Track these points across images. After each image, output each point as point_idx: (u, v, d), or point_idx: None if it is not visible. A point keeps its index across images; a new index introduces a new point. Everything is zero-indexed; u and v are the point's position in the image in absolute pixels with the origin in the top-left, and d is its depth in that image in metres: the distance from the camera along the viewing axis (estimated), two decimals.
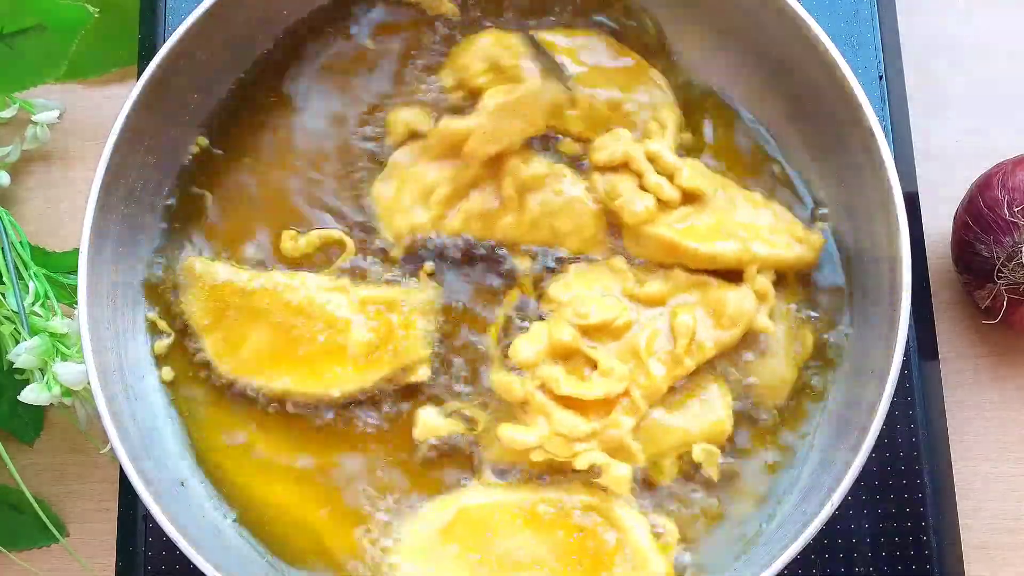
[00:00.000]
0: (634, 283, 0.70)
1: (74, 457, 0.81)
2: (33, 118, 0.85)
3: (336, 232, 0.72)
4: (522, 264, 0.71)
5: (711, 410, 0.68)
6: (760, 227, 0.70)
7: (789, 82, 0.72)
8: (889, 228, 0.66)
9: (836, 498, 0.62)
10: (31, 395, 0.74)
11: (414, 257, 0.72)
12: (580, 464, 0.66)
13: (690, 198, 0.70)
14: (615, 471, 0.66)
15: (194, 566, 0.63)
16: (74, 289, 0.77)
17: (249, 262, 0.73)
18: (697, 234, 0.69)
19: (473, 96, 0.71)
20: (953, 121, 0.85)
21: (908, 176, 0.79)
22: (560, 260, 0.71)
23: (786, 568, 0.61)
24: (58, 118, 0.86)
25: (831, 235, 0.72)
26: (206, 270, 0.71)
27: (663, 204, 0.69)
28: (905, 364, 0.72)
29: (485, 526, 0.67)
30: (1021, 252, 0.72)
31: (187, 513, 0.67)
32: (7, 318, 0.76)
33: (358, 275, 0.72)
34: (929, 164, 0.82)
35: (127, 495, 0.76)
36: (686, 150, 0.73)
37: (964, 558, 0.74)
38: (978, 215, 0.75)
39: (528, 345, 0.68)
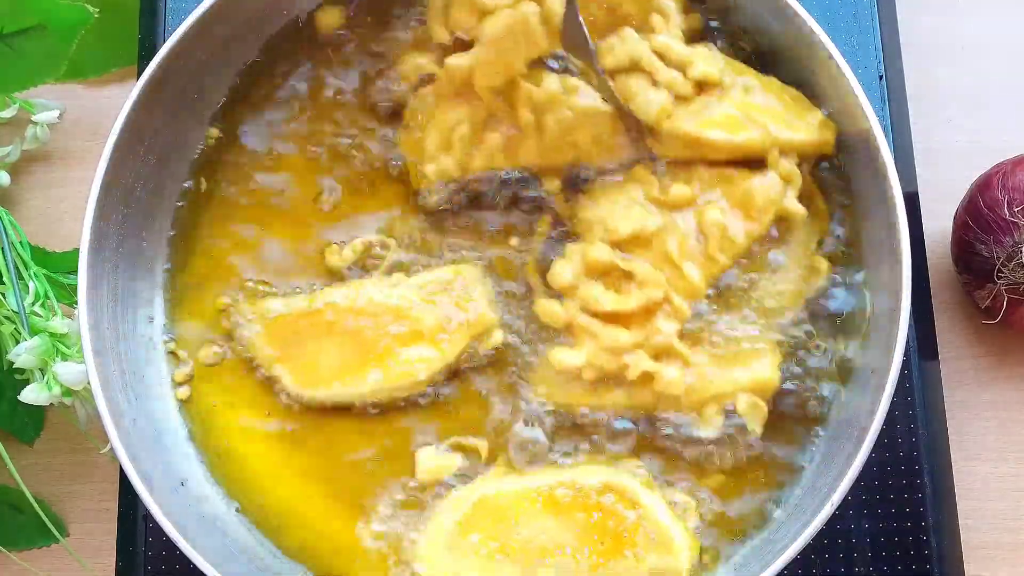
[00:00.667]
0: (659, 189, 0.70)
1: (74, 457, 0.81)
2: (33, 118, 0.85)
3: (374, 237, 0.73)
4: (551, 187, 0.71)
5: (760, 363, 0.68)
6: (779, 112, 0.69)
7: (789, 82, 0.72)
8: (889, 228, 0.66)
9: (836, 498, 0.62)
10: (31, 395, 0.74)
11: (448, 206, 0.72)
12: (632, 374, 0.66)
13: (705, 88, 0.69)
14: (666, 375, 0.67)
15: (194, 566, 0.63)
16: (74, 289, 0.76)
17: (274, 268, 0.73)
18: (716, 124, 0.69)
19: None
20: (953, 121, 0.85)
21: (908, 176, 0.79)
22: (585, 180, 0.71)
23: (786, 568, 0.61)
24: (58, 118, 0.86)
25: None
26: (258, 309, 0.71)
27: (679, 98, 0.69)
28: (905, 364, 0.72)
29: (505, 514, 0.67)
30: (1021, 252, 0.72)
31: (187, 513, 0.67)
32: (7, 318, 0.76)
33: (403, 269, 0.72)
34: (929, 164, 0.82)
35: (127, 495, 0.76)
36: (697, 33, 0.72)
37: (964, 558, 0.74)
38: (978, 215, 0.75)
39: (565, 268, 0.69)
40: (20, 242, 0.79)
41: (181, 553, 0.63)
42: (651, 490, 0.67)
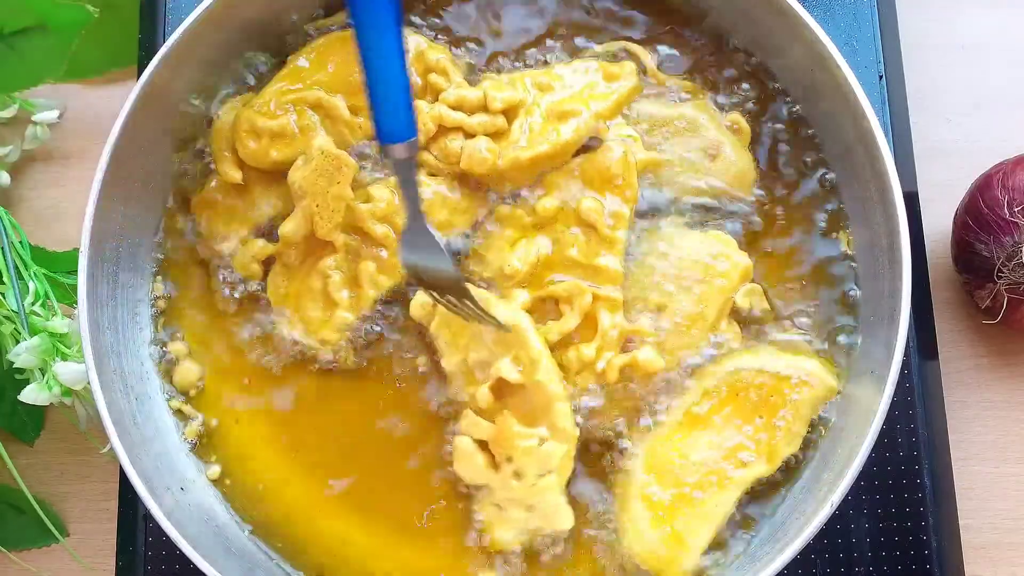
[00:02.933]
0: (528, 215, 0.70)
1: (74, 457, 0.81)
2: (33, 118, 0.85)
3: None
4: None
5: (726, 259, 0.69)
6: (583, 88, 0.71)
7: (789, 81, 0.72)
8: (889, 228, 0.66)
9: (836, 498, 0.62)
10: (31, 395, 0.74)
11: (357, 350, 0.71)
12: (612, 376, 0.67)
13: (512, 111, 0.71)
14: (642, 357, 0.67)
15: (194, 566, 0.63)
16: (74, 289, 0.77)
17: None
18: (540, 135, 0.70)
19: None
20: (953, 121, 0.85)
21: (908, 176, 0.79)
22: (463, 247, 0.71)
23: (786, 568, 0.61)
24: (58, 118, 0.86)
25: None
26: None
27: (497, 135, 0.70)
28: (905, 364, 0.72)
29: (673, 460, 0.67)
30: (1021, 252, 0.72)
31: (187, 513, 0.67)
32: (7, 318, 0.76)
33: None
34: (929, 164, 0.82)
35: (127, 495, 0.76)
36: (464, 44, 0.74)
37: (964, 558, 0.74)
38: (978, 215, 0.75)
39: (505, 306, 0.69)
40: (20, 242, 0.79)
41: (181, 553, 0.63)
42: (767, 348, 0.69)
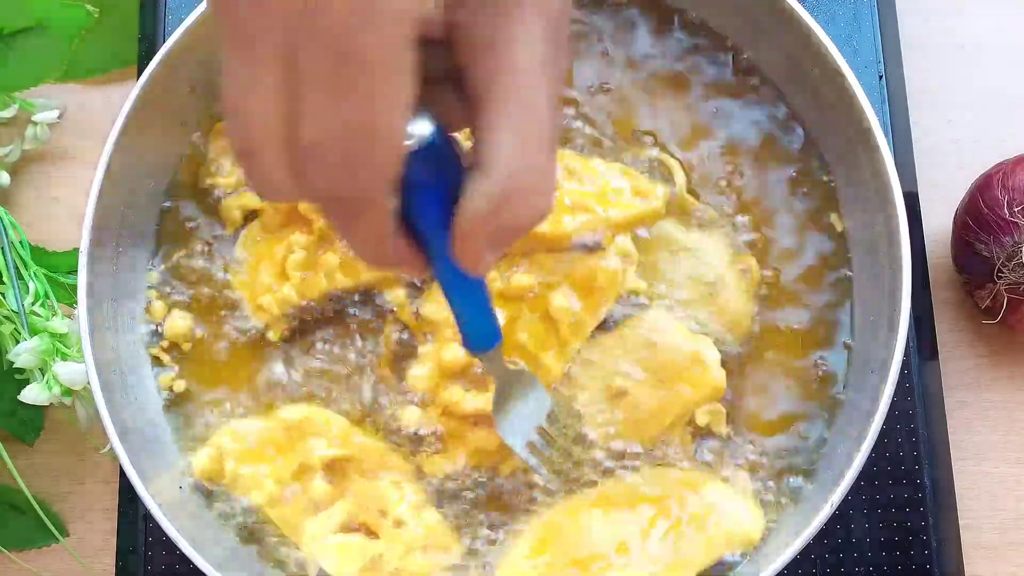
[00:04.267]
0: (501, 282, 0.69)
1: (74, 457, 0.81)
2: (33, 118, 0.85)
3: None
4: (393, 296, 0.70)
5: (703, 371, 0.68)
6: (606, 190, 0.70)
7: (789, 81, 0.72)
8: (889, 228, 0.66)
9: (836, 498, 0.62)
10: (31, 395, 0.74)
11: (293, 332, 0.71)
12: (507, 470, 0.67)
13: None
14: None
15: (194, 566, 0.63)
16: (74, 289, 0.76)
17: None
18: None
19: None
20: (953, 121, 0.85)
21: (908, 176, 0.79)
22: (425, 283, 0.70)
23: (786, 568, 0.61)
24: (58, 118, 0.86)
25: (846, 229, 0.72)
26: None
27: None
28: (905, 364, 0.72)
29: (569, 531, 0.66)
30: (1021, 252, 0.72)
31: (187, 513, 0.67)
32: (7, 318, 0.76)
33: None
34: (929, 164, 0.82)
35: (127, 495, 0.76)
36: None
37: (964, 558, 0.74)
38: (978, 215, 0.75)
39: (420, 372, 0.68)
40: (20, 242, 0.79)
41: (181, 553, 0.63)
42: (711, 479, 0.67)
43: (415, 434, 0.69)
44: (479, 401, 0.67)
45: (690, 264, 0.71)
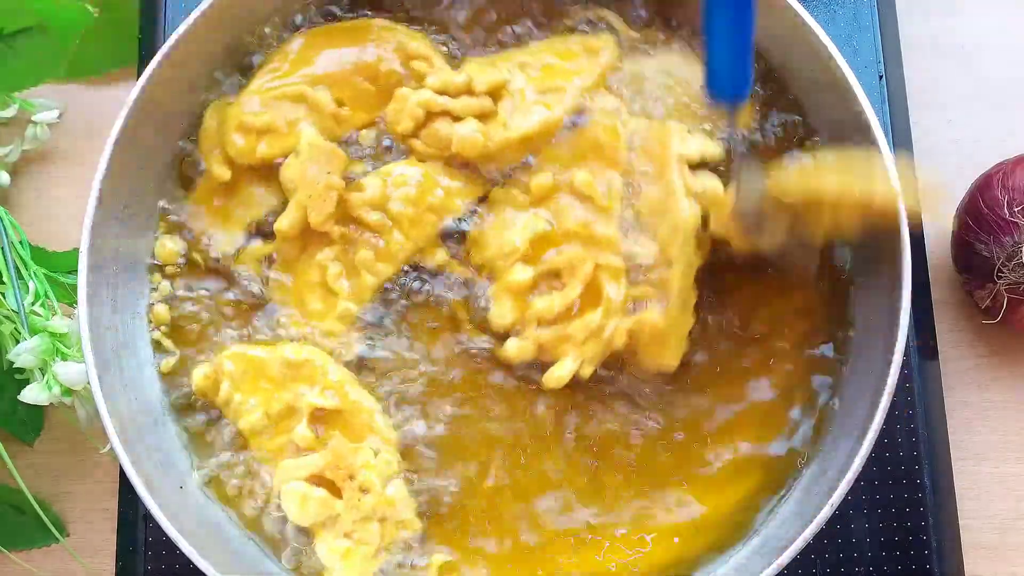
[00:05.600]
0: (522, 193, 0.71)
1: (74, 457, 0.81)
2: (33, 118, 0.85)
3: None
4: (440, 258, 0.71)
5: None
6: (565, 64, 0.72)
7: (789, 81, 0.72)
8: (889, 228, 0.65)
9: (836, 498, 0.62)
10: (31, 395, 0.74)
11: (363, 332, 0.71)
12: (619, 341, 0.68)
13: (498, 92, 0.71)
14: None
15: (194, 566, 0.63)
16: (74, 289, 0.76)
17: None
18: (527, 114, 0.70)
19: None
20: (953, 121, 0.85)
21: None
22: (460, 231, 0.71)
23: (786, 568, 0.61)
24: (58, 118, 0.86)
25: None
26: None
27: (485, 116, 0.70)
28: (905, 364, 0.72)
29: None
30: (1021, 252, 0.72)
31: (187, 513, 0.67)
32: (7, 318, 0.76)
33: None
34: (929, 164, 0.82)
35: (127, 495, 0.76)
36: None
37: (964, 558, 0.74)
38: (978, 215, 0.75)
39: (501, 309, 0.69)
40: (20, 242, 0.79)
41: (181, 553, 0.63)
42: None
43: (527, 369, 0.69)
44: (563, 298, 0.68)
45: (667, 80, 0.72)
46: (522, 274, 0.69)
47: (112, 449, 0.65)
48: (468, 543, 0.69)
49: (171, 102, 0.71)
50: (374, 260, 0.70)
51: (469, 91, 0.70)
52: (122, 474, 0.76)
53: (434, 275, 0.71)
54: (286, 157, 0.70)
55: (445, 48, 0.74)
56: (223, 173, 0.72)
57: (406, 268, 0.71)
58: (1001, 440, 0.79)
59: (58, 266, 0.80)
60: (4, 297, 0.76)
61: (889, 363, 0.63)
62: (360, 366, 0.70)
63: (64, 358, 0.75)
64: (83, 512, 0.80)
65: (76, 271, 0.67)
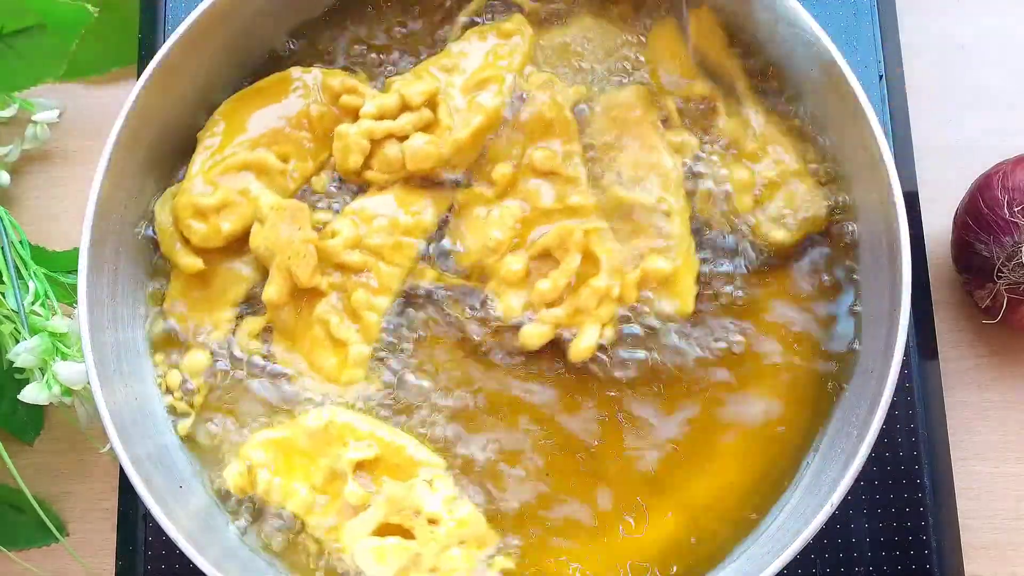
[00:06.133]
0: (488, 188, 0.71)
1: (74, 457, 0.81)
2: (33, 118, 0.85)
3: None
4: (428, 279, 0.71)
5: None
6: (487, 55, 0.73)
7: (789, 81, 0.72)
8: (889, 228, 0.66)
9: (836, 498, 0.62)
10: (31, 394, 0.74)
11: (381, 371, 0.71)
12: (631, 296, 0.69)
13: (433, 101, 0.71)
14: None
15: (194, 566, 0.63)
16: (74, 288, 0.76)
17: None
18: (469, 112, 0.71)
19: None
20: (953, 121, 0.85)
21: (908, 176, 0.79)
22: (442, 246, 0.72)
23: (786, 568, 0.61)
24: (58, 118, 0.86)
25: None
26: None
27: (428, 128, 0.71)
28: (905, 364, 0.72)
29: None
30: (1021, 252, 0.72)
31: (187, 513, 0.67)
32: (7, 317, 0.76)
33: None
34: (929, 164, 0.82)
35: (127, 495, 0.76)
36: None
37: (964, 558, 0.74)
38: (978, 215, 0.75)
39: (509, 303, 0.69)
40: (20, 241, 0.79)
41: (181, 553, 0.63)
42: None
43: (551, 360, 0.70)
44: (562, 274, 0.69)
45: (589, 44, 0.74)
46: (515, 265, 0.69)
47: (112, 449, 0.65)
48: (545, 542, 0.68)
49: (171, 102, 0.71)
50: (370, 297, 0.70)
51: (406, 107, 0.71)
52: (122, 474, 0.76)
53: (431, 294, 0.71)
54: (249, 226, 0.70)
55: (364, 73, 0.75)
56: (194, 263, 0.70)
57: (404, 294, 0.71)
58: (1001, 440, 0.79)
59: (58, 266, 0.80)
60: (4, 297, 0.76)
61: (889, 363, 0.63)
62: (388, 406, 0.70)
63: (64, 358, 0.75)
64: (83, 512, 0.80)
65: (76, 271, 0.67)
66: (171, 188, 0.72)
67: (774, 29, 0.71)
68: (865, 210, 0.69)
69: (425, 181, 0.72)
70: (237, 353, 0.71)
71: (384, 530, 0.66)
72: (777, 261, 0.71)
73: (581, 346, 0.68)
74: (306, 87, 0.73)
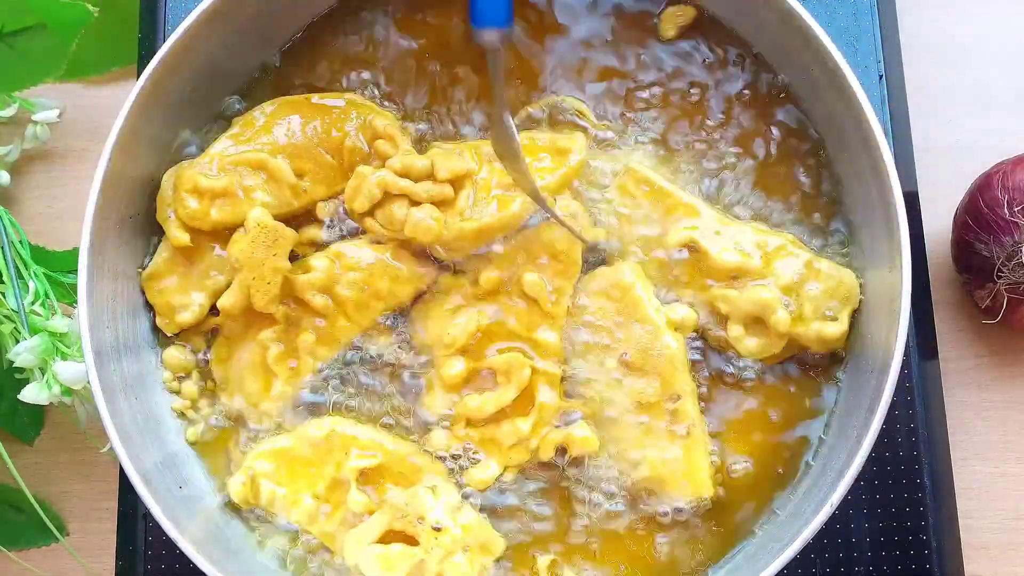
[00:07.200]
0: (471, 285, 0.70)
1: (74, 457, 0.81)
2: (33, 117, 0.85)
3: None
4: (383, 343, 0.71)
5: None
6: (533, 160, 0.70)
7: (789, 81, 0.72)
8: (889, 228, 0.66)
9: (836, 498, 0.62)
10: (31, 394, 0.74)
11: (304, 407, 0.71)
12: (546, 454, 0.68)
13: (459, 181, 0.70)
14: (577, 434, 0.68)
15: (194, 566, 0.63)
16: (74, 288, 0.77)
17: None
18: (486, 207, 0.69)
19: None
20: (953, 121, 0.85)
21: (908, 176, 0.79)
22: (402, 314, 0.72)
23: (786, 568, 0.61)
24: (58, 118, 0.86)
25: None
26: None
27: (443, 204, 0.69)
28: (905, 364, 0.72)
29: None
30: (1021, 252, 0.72)
31: (187, 513, 0.67)
32: (7, 317, 0.76)
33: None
34: (929, 164, 0.82)
35: (127, 495, 0.76)
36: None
37: (964, 558, 0.74)
38: (978, 215, 0.75)
39: (434, 397, 0.70)
40: (20, 241, 0.79)
41: (181, 553, 0.63)
42: None
43: (451, 456, 0.69)
44: (497, 400, 0.68)
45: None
46: (456, 368, 0.69)
47: (112, 449, 0.65)
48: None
49: (172, 102, 0.71)
50: (315, 344, 0.70)
51: (431, 177, 0.70)
52: (122, 474, 0.76)
53: (373, 359, 0.71)
54: (239, 227, 0.69)
55: (415, 129, 0.74)
56: (182, 237, 0.70)
57: (351, 345, 0.71)
58: (1001, 440, 0.79)
59: (58, 266, 0.80)
60: (4, 297, 0.76)
61: (889, 363, 0.63)
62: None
63: (64, 358, 0.75)
64: (83, 512, 0.80)
65: (76, 271, 0.67)
66: (184, 162, 0.72)
67: (773, 29, 0.71)
68: (865, 210, 0.69)
69: (417, 253, 0.71)
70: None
71: (388, 537, 0.66)
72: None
73: (478, 476, 0.68)
74: (351, 116, 0.72)
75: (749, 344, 0.68)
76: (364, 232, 0.71)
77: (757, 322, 0.68)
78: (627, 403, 0.68)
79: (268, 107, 0.73)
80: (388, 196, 0.69)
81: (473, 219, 0.69)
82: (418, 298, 0.72)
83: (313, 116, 0.72)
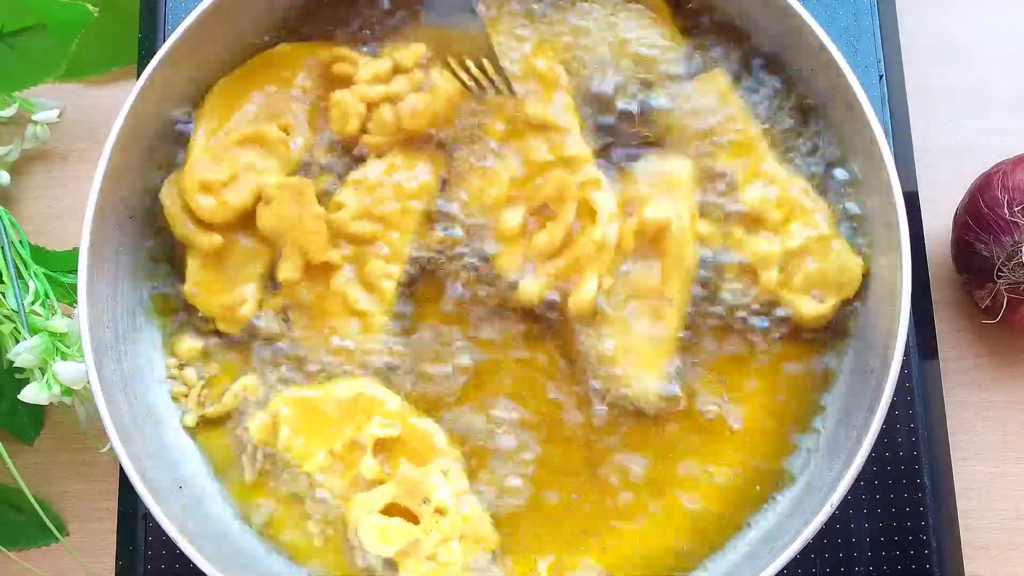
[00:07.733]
0: (487, 140, 0.71)
1: (74, 457, 0.81)
2: (33, 117, 0.85)
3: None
4: (436, 239, 0.71)
5: None
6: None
7: (789, 82, 0.72)
8: (889, 228, 0.66)
9: (836, 498, 0.62)
10: (31, 394, 0.74)
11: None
12: (629, 244, 0.68)
13: (425, 66, 0.72)
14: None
15: (194, 566, 0.63)
16: (74, 288, 0.77)
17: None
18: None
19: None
20: (953, 121, 0.85)
21: (908, 176, 0.79)
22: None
23: (786, 568, 0.61)
24: (58, 118, 0.86)
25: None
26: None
27: (421, 89, 0.71)
28: (905, 364, 0.72)
29: None
30: (1021, 252, 0.72)
31: (187, 513, 0.67)
32: (7, 317, 0.76)
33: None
34: (929, 164, 0.82)
35: (127, 495, 0.76)
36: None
37: (964, 558, 0.74)
38: (978, 215, 0.75)
39: (505, 259, 0.69)
40: (20, 241, 0.79)
41: (181, 553, 0.63)
42: None
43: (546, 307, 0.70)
44: (557, 227, 0.68)
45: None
46: (513, 219, 0.69)
47: (112, 449, 0.65)
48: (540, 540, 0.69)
49: (171, 102, 0.71)
50: (384, 266, 0.71)
51: (399, 71, 0.71)
52: (122, 474, 0.76)
53: (439, 254, 0.71)
54: (258, 200, 0.70)
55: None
56: (211, 240, 0.70)
57: (412, 258, 0.71)
58: (1001, 440, 0.79)
59: (58, 266, 0.80)
60: (4, 297, 0.76)
61: (889, 363, 0.63)
62: (397, 371, 0.71)
63: (64, 358, 0.75)
64: (83, 512, 0.80)
65: (76, 271, 0.67)
66: (173, 175, 0.72)
67: (773, 29, 0.71)
68: (865, 210, 0.69)
69: (421, 143, 0.72)
70: (263, 331, 0.71)
71: (390, 510, 0.67)
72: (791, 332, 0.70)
73: (580, 296, 0.68)
74: (296, 62, 0.73)
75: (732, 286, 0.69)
76: (366, 155, 0.72)
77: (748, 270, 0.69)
78: (628, 291, 0.69)
79: (216, 91, 0.73)
80: (371, 106, 0.71)
81: (451, 82, 0.70)
82: (443, 188, 0.72)
83: (259, 78, 0.73)
